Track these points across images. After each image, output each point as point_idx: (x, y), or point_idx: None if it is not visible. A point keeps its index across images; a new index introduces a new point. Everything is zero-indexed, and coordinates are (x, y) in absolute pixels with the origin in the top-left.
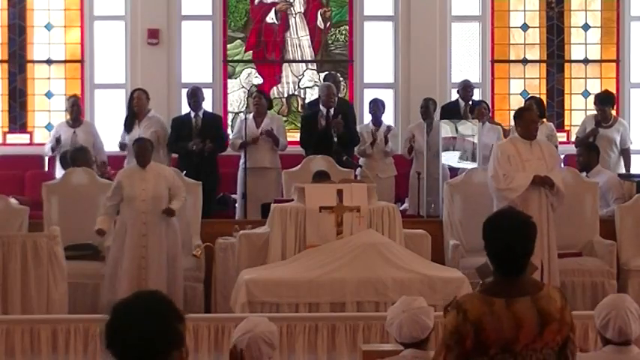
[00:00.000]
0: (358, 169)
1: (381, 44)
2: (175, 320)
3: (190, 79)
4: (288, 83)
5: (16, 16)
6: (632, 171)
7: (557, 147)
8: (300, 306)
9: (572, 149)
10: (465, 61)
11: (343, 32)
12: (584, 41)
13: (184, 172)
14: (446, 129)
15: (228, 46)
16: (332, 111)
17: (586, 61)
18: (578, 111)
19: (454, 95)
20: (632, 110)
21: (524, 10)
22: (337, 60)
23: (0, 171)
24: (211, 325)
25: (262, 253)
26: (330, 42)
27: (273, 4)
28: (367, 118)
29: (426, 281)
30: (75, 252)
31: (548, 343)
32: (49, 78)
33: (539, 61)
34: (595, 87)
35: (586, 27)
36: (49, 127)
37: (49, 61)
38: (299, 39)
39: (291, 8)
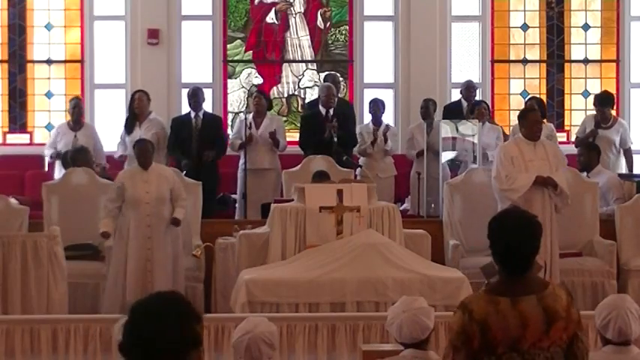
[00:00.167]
0: (358, 169)
1: (381, 44)
2: (194, 320)
3: (190, 79)
4: (288, 83)
5: (16, 16)
6: (634, 171)
7: None
8: (300, 306)
9: (572, 149)
10: (465, 61)
11: (343, 32)
12: (584, 41)
13: (184, 172)
14: (446, 129)
15: (228, 46)
16: (331, 111)
17: (586, 61)
18: (578, 111)
19: (454, 95)
20: (632, 110)
21: (524, 10)
22: (337, 60)
23: (0, 171)
24: (211, 325)
25: (262, 253)
26: (330, 42)
27: (273, 4)
28: (367, 118)
29: (426, 281)
30: (75, 252)
31: (555, 341)
32: (49, 78)
33: (539, 61)
34: (595, 87)
35: (586, 27)
36: (49, 127)
37: (49, 61)
38: (299, 39)
39: (291, 8)
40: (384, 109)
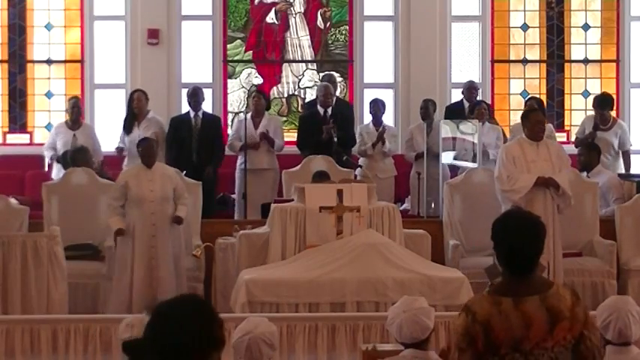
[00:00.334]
0: (358, 170)
1: (381, 44)
2: (216, 323)
3: (190, 79)
4: (288, 83)
5: (16, 16)
6: (632, 171)
7: None
8: (300, 306)
9: (572, 149)
10: (465, 61)
11: (343, 32)
12: (584, 41)
13: (184, 172)
14: (446, 129)
15: (228, 46)
16: (329, 110)
17: (586, 61)
18: (578, 111)
19: (454, 95)
20: (632, 110)
21: (524, 10)
22: (337, 60)
23: (0, 171)
24: None
25: (262, 253)
26: (330, 42)
27: (273, 4)
28: (367, 118)
29: (426, 281)
30: (75, 252)
31: (559, 341)
32: (49, 78)
33: (539, 61)
34: (595, 87)
35: (586, 27)
36: (49, 127)
37: (49, 61)
38: (299, 39)
39: (291, 8)
40: (384, 109)
